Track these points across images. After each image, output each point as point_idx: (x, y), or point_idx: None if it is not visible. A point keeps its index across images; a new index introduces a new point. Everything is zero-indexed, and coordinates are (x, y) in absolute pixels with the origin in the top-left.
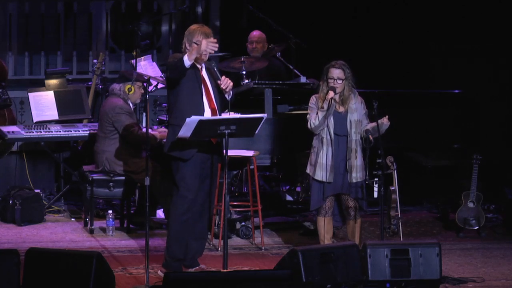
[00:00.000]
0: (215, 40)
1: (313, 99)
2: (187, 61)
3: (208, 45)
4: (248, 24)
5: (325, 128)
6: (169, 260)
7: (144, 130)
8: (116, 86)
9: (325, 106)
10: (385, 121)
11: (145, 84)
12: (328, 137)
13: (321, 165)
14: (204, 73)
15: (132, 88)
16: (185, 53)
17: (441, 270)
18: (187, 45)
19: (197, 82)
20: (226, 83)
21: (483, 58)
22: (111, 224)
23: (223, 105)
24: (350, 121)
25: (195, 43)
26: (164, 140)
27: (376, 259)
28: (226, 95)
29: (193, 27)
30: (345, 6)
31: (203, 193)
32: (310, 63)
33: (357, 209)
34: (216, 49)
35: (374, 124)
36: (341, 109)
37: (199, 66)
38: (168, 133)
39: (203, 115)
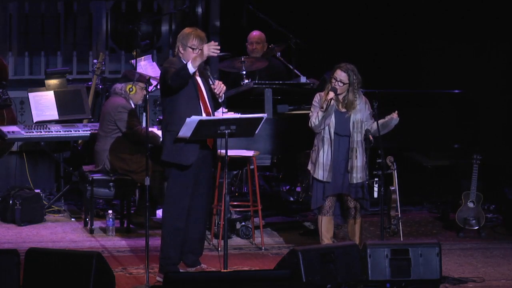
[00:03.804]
0: (216, 43)
1: (317, 97)
2: (191, 68)
3: (210, 49)
4: (248, 24)
5: (326, 128)
6: (164, 265)
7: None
8: (118, 86)
9: (325, 106)
10: (394, 116)
11: (145, 84)
12: (328, 136)
13: (320, 164)
14: (198, 77)
15: (134, 88)
16: (179, 57)
17: (441, 270)
18: (181, 49)
19: (193, 86)
20: (220, 87)
21: (483, 58)
22: (111, 224)
23: (216, 107)
24: (353, 122)
25: (190, 47)
26: None
27: (376, 259)
28: (219, 99)
29: (187, 30)
30: (345, 5)
31: (199, 197)
32: (310, 63)
33: (357, 209)
34: (219, 51)
35: (382, 120)
36: (344, 109)
37: None
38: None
39: None
